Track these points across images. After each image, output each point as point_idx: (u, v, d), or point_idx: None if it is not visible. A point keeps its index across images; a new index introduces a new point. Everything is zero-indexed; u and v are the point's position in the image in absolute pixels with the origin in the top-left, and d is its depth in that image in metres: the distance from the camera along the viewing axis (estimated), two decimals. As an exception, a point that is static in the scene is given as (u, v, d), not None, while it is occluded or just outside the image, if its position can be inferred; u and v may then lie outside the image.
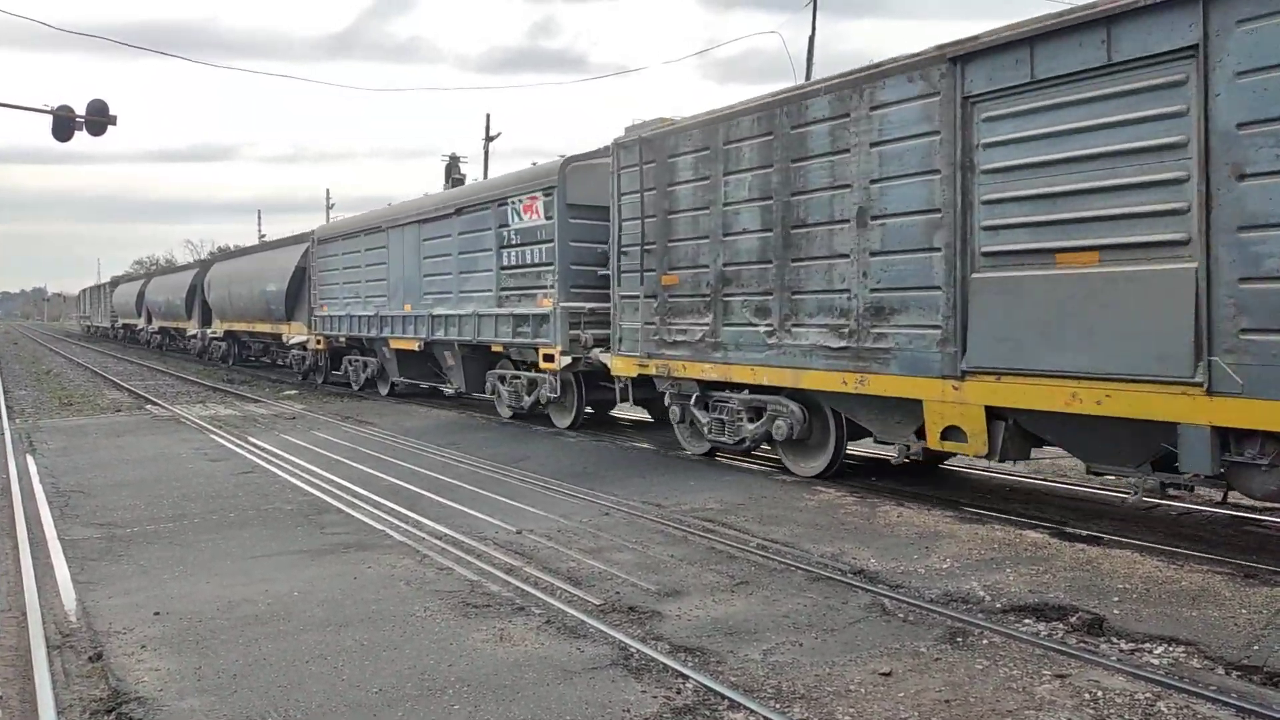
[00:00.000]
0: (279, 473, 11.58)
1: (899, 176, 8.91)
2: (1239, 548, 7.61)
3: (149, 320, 47.62)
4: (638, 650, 5.45)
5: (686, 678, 5.05)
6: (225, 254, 37.68)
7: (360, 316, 21.07)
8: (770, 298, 10.34)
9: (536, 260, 14.76)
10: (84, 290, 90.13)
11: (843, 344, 9.50)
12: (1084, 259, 7.48)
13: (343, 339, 22.81)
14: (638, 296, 12.25)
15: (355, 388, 22.71)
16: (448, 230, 17.48)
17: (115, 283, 64.15)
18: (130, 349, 49.98)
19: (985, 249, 8.21)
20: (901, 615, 6.05)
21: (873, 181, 9.16)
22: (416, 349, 18.63)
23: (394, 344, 19.69)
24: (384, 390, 21.72)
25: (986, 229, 8.19)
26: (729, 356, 10.89)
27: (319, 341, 24.00)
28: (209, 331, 35.02)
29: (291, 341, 26.16)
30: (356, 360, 22.73)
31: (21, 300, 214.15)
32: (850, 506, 9.22)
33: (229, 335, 33.43)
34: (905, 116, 8.84)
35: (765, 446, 11.42)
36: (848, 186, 9.43)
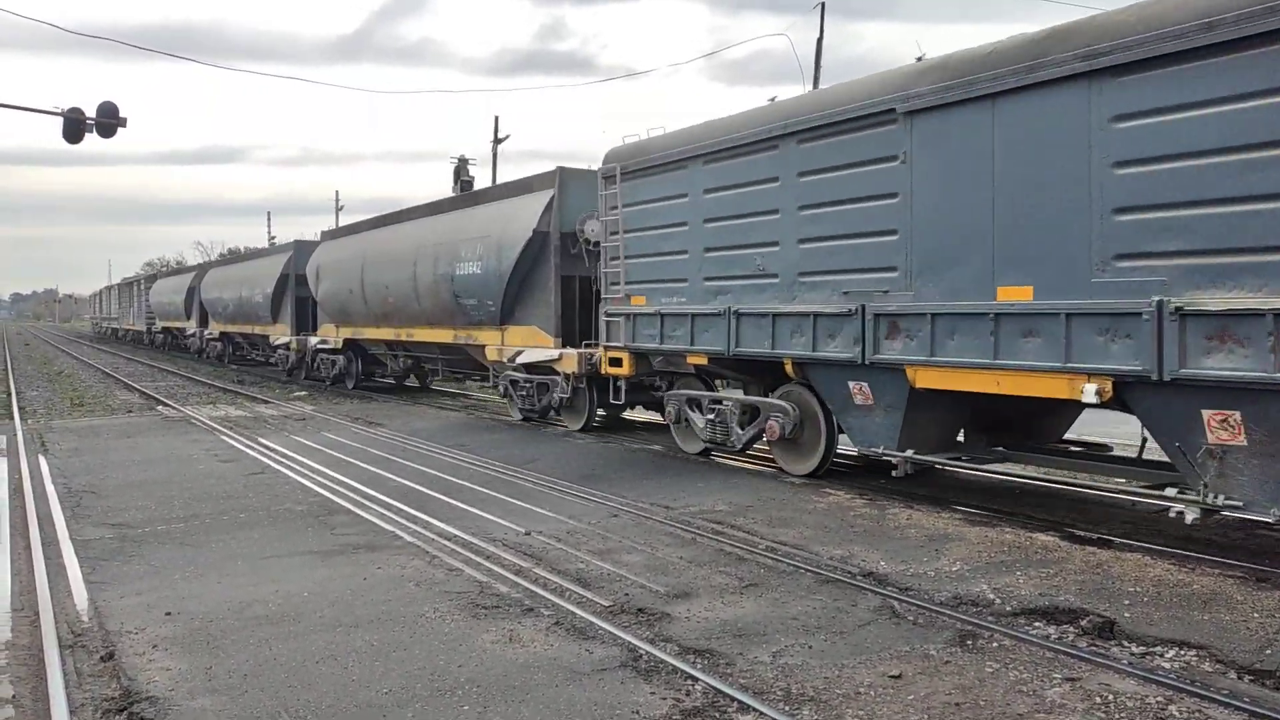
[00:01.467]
0: (289, 473, 11.61)
1: None
2: (1251, 551, 7.58)
3: (203, 323, 37.96)
4: (647, 652, 5.45)
5: (696, 679, 5.05)
6: (345, 228, 25.29)
7: (775, 316, 10.38)
8: None
9: None
10: (106, 289, 79.09)
11: None
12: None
13: (701, 359, 11.67)
14: None
15: (728, 447, 11.86)
16: None
17: (152, 278, 53.68)
18: (171, 358, 41.47)
19: None
20: (911, 618, 6.04)
21: None
22: (1091, 395, 7.58)
23: (929, 377, 8.91)
24: (801, 469, 10.84)
25: None
26: None
27: (621, 360, 12.95)
28: (314, 341, 25.46)
29: (518, 360, 15.83)
30: (722, 404, 11.75)
31: (33, 301, 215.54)
32: (859, 509, 9.21)
33: (353, 347, 23.96)
34: None
35: None
36: None
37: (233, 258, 40.42)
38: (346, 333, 23.36)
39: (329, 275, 23.38)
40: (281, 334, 28.05)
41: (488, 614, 6.16)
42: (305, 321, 26.75)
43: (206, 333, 37.74)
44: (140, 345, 53.93)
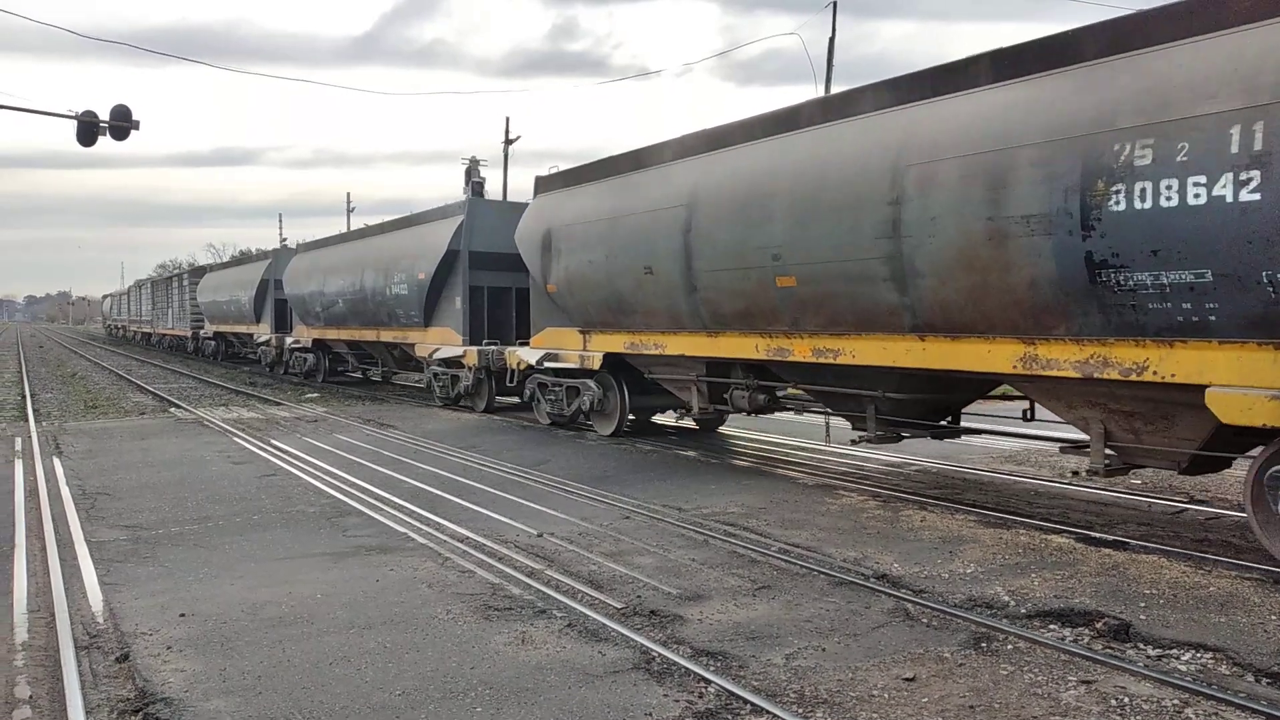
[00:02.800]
0: (301, 475, 11.64)
1: None
2: (1267, 552, 7.51)
3: (281, 327, 29.86)
4: (659, 654, 5.44)
5: (709, 682, 5.03)
6: (602, 164, 13.97)
7: None
8: None
9: None
10: (134, 285, 68.35)
11: None
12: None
13: None
14: None
15: None
16: None
17: (199, 271, 43.87)
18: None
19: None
20: (925, 620, 6.01)
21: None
22: None
23: None
24: None
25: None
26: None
27: None
28: (530, 355, 15.65)
29: None
30: None
31: (47, 304, 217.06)
32: (873, 510, 9.18)
33: (619, 368, 14.11)
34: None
35: None
36: None
37: (342, 235, 26.79)
38: (611, 342, 13.59)
39: (581, 245, 13.58)
40: (444, 343, 18.75)
41: (500, 616, 6.16)
42: (480, 324, 18.20)
43: (291, 341, 28.29)
44: (181, 354, 44.76)
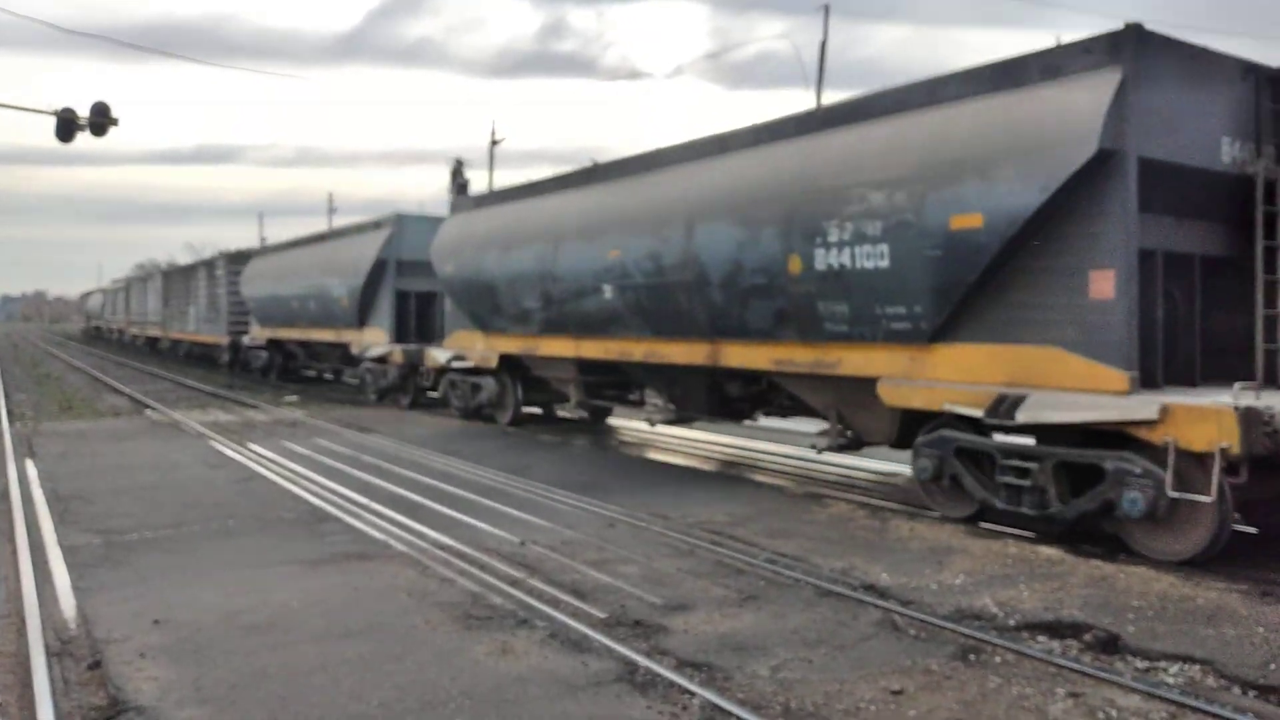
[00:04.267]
0: (279, 480, 11.49)
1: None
2: (1255, 565, 7.52)
3: (404, 334, 20.34)
4: (643, 665, 5.36)
5: (693, 694, 4.96)
6: None
7: None
8: None
9: None
10: (134, 279, 55.12)
11: None
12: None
13: None
14: None
15: None
16: None
17: (241, 257, 31.36)
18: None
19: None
20: (913, 632, 5.96)
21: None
22: None
23: None
24: None
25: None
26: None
27: None
28: None
29: None
30: None
31: (22, 303, 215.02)
32: (861, 520, 9.13)
33: None
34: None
35: None
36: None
37: (597, 167, 13.90)
38: None
39: None
40: (1064, 385, 7.70)
41: (481, 625, 6.07)
42: (1155, 343, 7.83)
43: (448, 357, 17.78)
44: (210, 366, 33.73)
